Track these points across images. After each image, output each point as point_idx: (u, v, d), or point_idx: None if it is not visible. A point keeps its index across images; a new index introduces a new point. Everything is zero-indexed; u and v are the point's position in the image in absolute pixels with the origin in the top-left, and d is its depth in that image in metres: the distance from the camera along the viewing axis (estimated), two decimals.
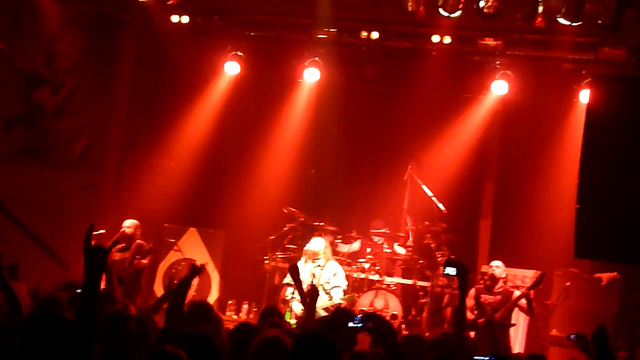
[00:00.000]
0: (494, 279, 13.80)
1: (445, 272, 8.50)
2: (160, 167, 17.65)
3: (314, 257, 15.02)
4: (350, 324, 8.15)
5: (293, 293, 14.57)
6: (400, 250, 16.33)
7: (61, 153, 17.15)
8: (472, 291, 13.69)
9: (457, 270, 8.25)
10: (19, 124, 17.04)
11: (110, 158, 17.43)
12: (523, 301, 13.50)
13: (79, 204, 16.76)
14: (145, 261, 13.93)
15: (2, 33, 16.62)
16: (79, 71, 17.15)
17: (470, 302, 13.44)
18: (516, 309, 13.74)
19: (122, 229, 14.00)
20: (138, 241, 14.05)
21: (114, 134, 17.47)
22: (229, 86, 17.61)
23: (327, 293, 14.81)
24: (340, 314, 8.41)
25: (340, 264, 15.43)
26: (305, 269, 14.95)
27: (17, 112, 17.04)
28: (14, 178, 16.69)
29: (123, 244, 13.84)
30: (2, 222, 16.54)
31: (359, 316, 8.37)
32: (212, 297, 16.69)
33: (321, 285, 14.78)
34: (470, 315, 13.20)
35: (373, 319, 8.63)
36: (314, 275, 14.86)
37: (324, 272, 14.93)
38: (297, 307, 14.30)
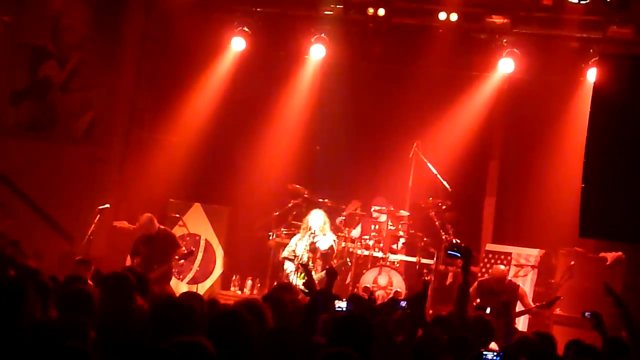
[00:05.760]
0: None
1: (448, 254, 8.59)
2: (166, 142, 17.64)
3: (314, 232, 15.03)
4: (337, 308, 8.16)
5: (296, 269, 14.67)
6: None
7: (67, 127, 17.18)
8: (475, 285, 13.52)
9: (460, 252, 8.36)
10: (25, 98, 17.08)
11: (116, 133, 17.43)
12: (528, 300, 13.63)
13: (85, 178, 16.79)
14: None
15: (9, 7, 16.64)
16: (86, 46, 17.17)
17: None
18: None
19: None
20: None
21: (119, 109, 17.46)
22: (235, 62, 17.56)
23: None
24: (321, 297, 8.38)
25: (345, 240, 15.54)
26: (302, 243, 14.97)
27: (24, 86, 17.09)
28: (20, 152, 16.76)
29: None
30: (8, 196, 16.60)
31: (344, 299, 8.36)
32: (216, 273, 16.73)
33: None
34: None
35: (355, 302, 8.64)
36: (312, 245, 14.91)
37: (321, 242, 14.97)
38: (297, 282, 14.31)
